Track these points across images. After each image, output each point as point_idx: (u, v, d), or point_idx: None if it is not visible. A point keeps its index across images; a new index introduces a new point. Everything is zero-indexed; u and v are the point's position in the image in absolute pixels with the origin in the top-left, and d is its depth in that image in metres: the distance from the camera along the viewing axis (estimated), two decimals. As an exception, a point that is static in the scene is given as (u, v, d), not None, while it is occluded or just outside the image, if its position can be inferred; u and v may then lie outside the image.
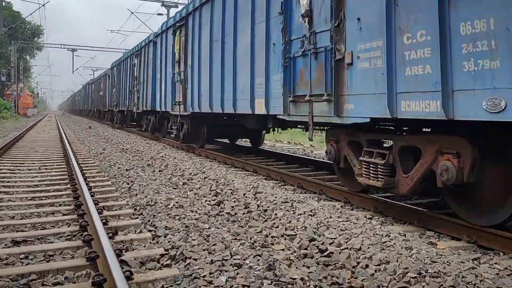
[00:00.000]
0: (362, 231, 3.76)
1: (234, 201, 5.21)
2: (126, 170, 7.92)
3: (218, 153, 10.34)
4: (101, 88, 31.19)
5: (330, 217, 4.22)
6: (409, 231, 4.18)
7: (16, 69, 44.57)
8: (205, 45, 9.53)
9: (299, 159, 9.28)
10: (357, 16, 4.64)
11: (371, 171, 4.68)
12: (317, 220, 4.15)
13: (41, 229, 4.35)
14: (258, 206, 4.83)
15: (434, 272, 2.92)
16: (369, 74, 4.43)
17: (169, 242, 3.75)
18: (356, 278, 2.99)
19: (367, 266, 3.11)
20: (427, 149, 4.10)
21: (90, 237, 3.83)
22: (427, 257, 3.17)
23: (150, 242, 3.86)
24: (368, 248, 3.38)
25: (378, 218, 4.65)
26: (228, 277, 2.90)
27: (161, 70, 13.94)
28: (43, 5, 26.01)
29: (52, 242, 3.92)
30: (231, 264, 3.11)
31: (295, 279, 2.88)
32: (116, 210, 5.12)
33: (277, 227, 4.14)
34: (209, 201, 5.33)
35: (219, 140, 13.91)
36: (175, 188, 6.17)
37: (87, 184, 6.24)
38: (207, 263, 3.17)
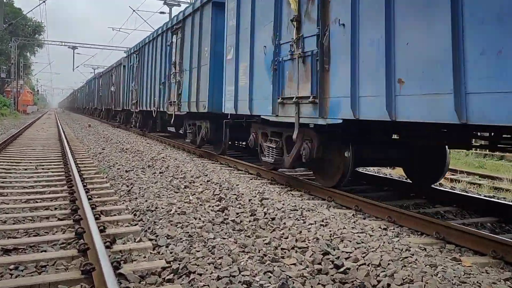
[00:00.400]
0: (379, 245, 3.48)
1: (239, 208, 4.93)
2: (126, 171, 7.65)
3: (220, 155, 10.05)
4: (112, 82, 24.79)
5: (344, 228, 3.94)
6: (428, 244, 3.91)
7: (17, 66, 44.30)
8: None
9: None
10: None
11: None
12: (330, 231, 3.87)
13: (34, 236, 4.07)
14: (265, 214, 4.55)
15: (465, 294, 2.65)
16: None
17: (171, 253, 3.47)
18: (377, 299, 2.72)
19: (389, 285, 2.83)
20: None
21: (86, 246, 3.55)
22: (455, 276, 2.90)
23: (151, 253, 3.58)
24: (389, 264, 3.10)
25: (394, 229, 4.37)
26: (237, 297, 2.63)
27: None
28: (44, 1, 25.71)
29: (45, 251, 3.64)
30: (240, 282, 2.83)
31: (311, 300, 2.60)
32: (114, 215, 4.84)
33: (287, 237, 3.86)
34: (213, 206, 5.05)
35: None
36: (177, 192, 5.89)
37: (84, 186, 5.96)
38: (213, 279, 2.90)
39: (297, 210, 4.58)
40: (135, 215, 4.78)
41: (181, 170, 7.72)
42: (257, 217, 4.49)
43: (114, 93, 24.09)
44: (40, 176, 7.26)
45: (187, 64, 10.70)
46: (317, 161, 6.02)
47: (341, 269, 3.12)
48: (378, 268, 3.08)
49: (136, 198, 5.54)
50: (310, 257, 3.40)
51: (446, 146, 6.08)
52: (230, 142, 10.49)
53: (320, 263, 3.26)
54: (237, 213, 4.72)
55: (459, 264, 3.28)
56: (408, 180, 7.04)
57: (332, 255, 3.36)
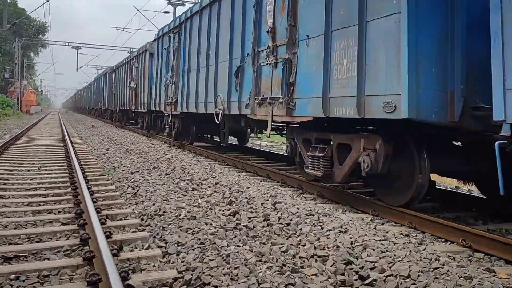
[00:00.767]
0: (406, 254, 3.24)
1: (251, 212, 4.70)
2: (131, 173, 7.43)
3: (226, 155, 9.83)
4: (132, 77, 19.52)
5: (365, 235, 3.71)
6: (455, 252, 3.67)
7: (20, 66, 44.17)
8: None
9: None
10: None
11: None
12: (350, 238, 3.64)
13: (36, 242, 3.85)
14: (279, 219, 4.32)
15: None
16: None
17: (182, 262, 3.24)
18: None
19: (422, 300, 2.60)
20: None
21: (92, 254, 3.33)
22: (493, 291, 2.66)
23: (160, 261, 3.36)
24: (419, 276, 2.87)
25: (416, 236, 4.13)
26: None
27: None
28: (47, 0, 25.57)
29: (48, 259, 3.42)
30: (259, 296, 2.60)
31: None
32: (120, 219, 4.61)
33: (304, 245, 3.63)
34: (223, 210, 4.82)
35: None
36: (185, 195, 5.67)
37: (89, 188, 5.75)
38: (230, 292, 2.67)
39: (313, 215, 4.34)
40: (142, 219, 4.56)
41: (188, 171, 7.50)
42: (271, 222, 4.25)
43: (134, 90, 19.06)
44: (43, 178, 7.06)
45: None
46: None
47: (367, 281, 2.88)
48: (408, 280, 2.85)
49: (143, 202, 5.32)
50: (331, 266, 3.17)
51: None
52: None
53: (343, 274, 3.03)
54: (249, 218, 4.49)
55: (494, 275, 3.04)
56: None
57: (356, 265, 3.13)
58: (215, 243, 3.61)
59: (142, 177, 7.03)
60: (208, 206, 5.04)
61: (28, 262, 3.33)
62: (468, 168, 5.13)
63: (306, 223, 4.11)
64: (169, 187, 6.17)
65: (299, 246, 3.62)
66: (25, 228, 4.25)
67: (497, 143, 3.43)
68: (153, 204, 5.08)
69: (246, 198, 5.24)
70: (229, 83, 8.49)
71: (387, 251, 3.33)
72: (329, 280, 2.96)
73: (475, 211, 5.38)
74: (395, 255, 3.23)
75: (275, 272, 2.99)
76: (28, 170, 7.84)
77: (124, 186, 6.37)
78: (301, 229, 3.97)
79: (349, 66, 4.82)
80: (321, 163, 5.55)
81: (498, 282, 2.84)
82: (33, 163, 8.71)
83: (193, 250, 3.47)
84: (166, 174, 7.36)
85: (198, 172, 7.35)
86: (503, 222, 4.88)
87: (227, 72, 8.57)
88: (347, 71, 4.86)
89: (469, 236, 3.83)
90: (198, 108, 10.31)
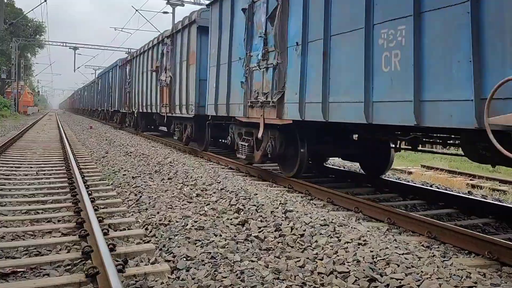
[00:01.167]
0: (433, 270, 3.02)
1: (261, 221, 4.46)
2: (133, 177, 7.19)
3: (225, 157, 9.59)
4: (167, 67, 12.95)
5: (386, 248, 3.48)
6: (483, 266, 3.45)
7: (17, 67, 43.82)
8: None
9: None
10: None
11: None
12: (371, 251, 3.41)
13: (35, 255, 3.62)
14: (292, 229, 4.08)
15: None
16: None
17: (193, 279, 3.01)
18: None
19: (459, 325, 2.37)
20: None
21: (95, 270, 3.09)
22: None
23: (169, 277, 3.12)
24: (452, 296, 2.64)
25: (438, 247, 3.91)
26: None
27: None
28: (45, 1, 25.27)
29: (48, 275, 3.19)
30: (282, 321, 2.37)
31: None
32: (124, 229, 4.38)
33: (322, 259, 3.40)
34: (231, 219, 4.59)
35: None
36: (190, 202, 5.43)
37: (89, 194, 5.53)
38: (248, 316, 2.44)
39: (327, 225, 4.11)
40: (146, 229, 4.32)
41: (190, 176, 7.26)
42: (283, 233, 4.02)
43: (167, 85, 12.94)
44: (42, 183, 6.81)
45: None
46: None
47: (395, 302, 2.66)
48: (440, 301, 2.62)
49: (147, 209, 5.08)
50: (354, 284, 2.94)
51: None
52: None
53: (368, 293, 2.81)
54: (260, 228, 4.26)
55: (531, 295, 2.82)
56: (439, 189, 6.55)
57: (380, 282, 2.90)
58: (227, 257, 3.38)
59: (144, 182, 6.79)
60: (215, 214, 4.80)
61: (27, 280, 3.09)
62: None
63: (321, 234, 3.88)
64: (173, 193, 5.93)
65: (316, 260, 3.40)
66: (23, 240, 4.01)
67: None
68: (158, 212, 4.85)
69: (254, 205, 5.01)
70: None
71: (412, 266, 3.11)
72: (354, 300, 2.74)
73: (491, 218, 5.17)
74: (422, 272, 3.00)
75: (295, 291, 2.76)
76: (26, 175, 7.59)
77: (126, 192, 6.13)
78: (316, 241, 3.74)
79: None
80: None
81: (539, 303, 2.62)
82: (31, 167, 8.46)
83: (204, 265, 3.24)
84: (169, 179, 7.12)
85: (201, 177, 7.11)
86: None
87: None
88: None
89: (497, 248, 3.60)
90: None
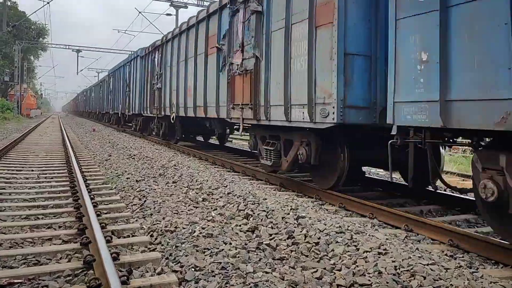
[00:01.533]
0: (464, 284, 2.78)
1: (272, 228, 4.24)
2: (136, 181, 6.97)
3: (232, 160, 9.37)
4: (240, 43, 7.80)
5: (409, 258, 3.25)
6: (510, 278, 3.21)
7: (20, 70, 43.75)
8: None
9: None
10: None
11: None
12: (393, 261, 3.18)
13: (34, 264, 3.40)
14: (306, 237, 3.86)
15: None
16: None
17: (203, 292, 2.78)
18: None
19: None
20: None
21: (98, 283, 2.87)
22: None
23: (177, 290, 2.90)
24: (488, 313, 2.41)
25: (463, 257, 3.67)
26: None
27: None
28: (48, 3, 25.19)
29: (46, 287, 2.97)
30: None
31: None
32: (128, 236, 4.15)
33: (340, 269, 3.17)
34: (240, 225, 4.36)
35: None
36: (196, 207, 5.21)
37: (92, 199, 5.30)
38: (266, 336, 2.21)
39: (343, 232, 3.88)
40: (151, 236, 4.10)
41: (196, 179, 7.04)
42: (297, 241, 3.80)
43: (248, 73, 7.53)
44: (43, 187, 6.60)
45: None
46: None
47: (426, 319, 2.43)
48: (475, 318, 2.39)
49: (151, 215, 4.86)
50: (377, 298, 2.71)
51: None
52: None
53: (394, 309, 2.57)
54: (271, 235, 4.03)
55: None
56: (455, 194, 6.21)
57: (407, 297, 2.67)
58: (238, 268, 3.15)
59: (149, 186, 6.57)
60: (223, 220, 4.58)
61: (24, 292, 2.87)
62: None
63: (337, 242, 3.65)
64: (178, 198, 5.71)
65: (334, 271, 3.17)
66: (22, 247, 3.79)
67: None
68: (163, 218, 4.63)
69: (263, 210, 4.78)
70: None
71: (440, 279, 2.87)
72: (379, 316, 2.51)
73: None
74: (451, 285, 2.77)
75: (315, 307, 2.53)
76: (27, 178, 7.38)
77: (130, 196, 5.91)
78: (333, 250, 3.51)
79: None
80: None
81: None
82: (32, 170, 8.26)
83: (214, 276, 3.02)
84: (174, 182, 6.91)
85: (207, 180, 6.89)
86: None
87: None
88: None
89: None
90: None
